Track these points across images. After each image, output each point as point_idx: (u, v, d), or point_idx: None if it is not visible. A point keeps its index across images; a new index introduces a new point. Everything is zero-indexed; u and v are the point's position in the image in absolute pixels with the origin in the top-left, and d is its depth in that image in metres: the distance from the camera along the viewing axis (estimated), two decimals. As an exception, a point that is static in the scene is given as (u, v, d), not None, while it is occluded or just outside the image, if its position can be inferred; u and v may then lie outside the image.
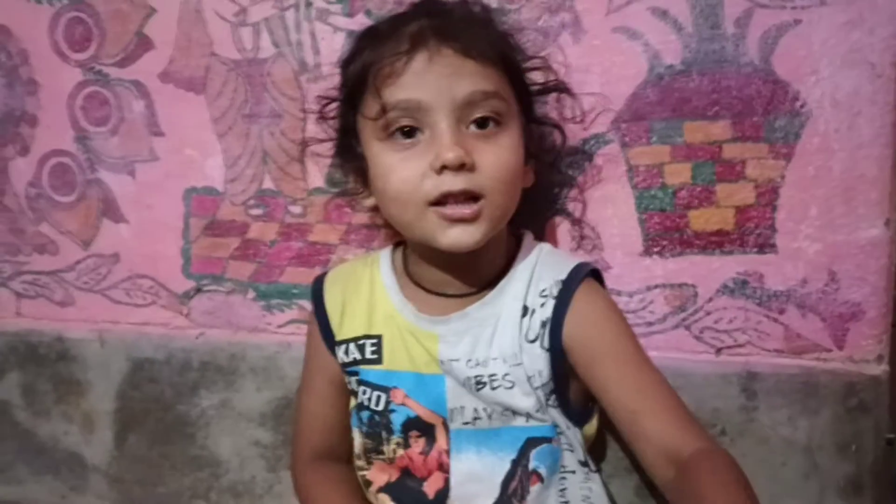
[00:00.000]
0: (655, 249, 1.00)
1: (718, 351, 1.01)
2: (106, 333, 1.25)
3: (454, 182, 0.81)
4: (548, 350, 0.87)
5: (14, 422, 1.33)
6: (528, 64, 0.93)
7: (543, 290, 0.88)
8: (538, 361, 0.87)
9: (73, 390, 1.28)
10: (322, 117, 0.98)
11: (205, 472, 1.24)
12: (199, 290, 1.20)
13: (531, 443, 0.89)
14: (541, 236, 1.03)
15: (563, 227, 1.03)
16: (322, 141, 1.01)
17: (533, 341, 0.87)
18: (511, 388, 0.87)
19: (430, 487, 0.90)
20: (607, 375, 0.85)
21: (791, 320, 0.98)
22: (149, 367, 1.23)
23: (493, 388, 0.87)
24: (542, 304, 0.88)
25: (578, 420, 0.91)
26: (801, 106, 0.94)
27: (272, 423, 1.19)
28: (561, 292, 0.87)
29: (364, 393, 0.93)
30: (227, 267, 1.18)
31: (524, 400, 0.87)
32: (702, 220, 0.98)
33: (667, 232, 1.00)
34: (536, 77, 0.94)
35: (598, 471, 0.92)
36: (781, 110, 0.94)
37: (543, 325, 0.87)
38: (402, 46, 0.81)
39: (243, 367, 1.18)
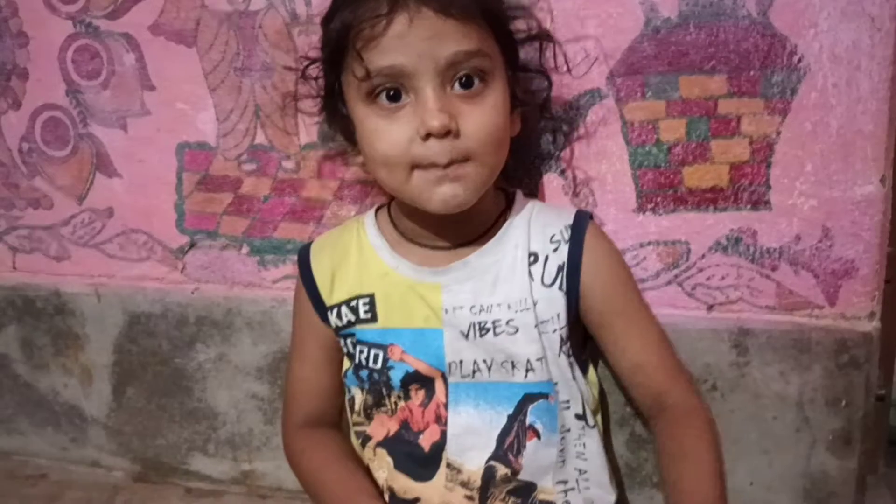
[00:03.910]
0: (649, 206, 1.00)
1: (710, 307, 1.01)
2: (102, 288, 1.26)
3: (441, 154, 0.81)
4: (566, 293, 0.89)
5: (14, 375, 1.35)
6: (511, 13, 0.91)
7: (553, 236, 0.90)
8: (556, 304, 0.89)
9: (71, 344, 1.29)
10: (304, 77, 0.97)
11: (202, 425, 1.26)
12: (193, 245, 1.20)
13: (528, 398, 0.90)
14: (535, 192, 1.03)
15: (556, 184, 1.03)
16: (311, 97, 1.00)
17: (550, 285, 0.89)
18: (514, 333, 0.88)
19: (426, 440, 0.92)
20: (620, 331, 0.92)
21: (784, 277, 0.98)
22: (145, 321, 1.24)
23: (496, 335, 0.89)
24: (556, 250, 0.90)
25: (584, 368, 0.94)
26: (799, 60, 0.92)
27: (269, 377, 1.20)
28: (572, 236, 0.90)
29: (361, 352, 0.93)
30: (220, 222, 1.18)
31: (527, 347, 0.88)
32: (696, 176, 0.98)
33: (661, 188, 0.99)
34: (521, 24, 0.92)
35: (595, 426, 0.93)
36: (779, 65, 0.93)
37: (560, 268, 0.89)
38: (381, 8, 0.79)
39: (239, 321, 1.19)
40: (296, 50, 1.08)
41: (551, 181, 1.03)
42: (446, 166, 0.81)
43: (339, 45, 0.84)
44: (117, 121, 1.19)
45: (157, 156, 1.18)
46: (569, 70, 0.95)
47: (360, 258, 0.95)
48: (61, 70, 1.20)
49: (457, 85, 0.82)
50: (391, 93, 0.82)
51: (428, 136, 0.80)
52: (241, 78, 1.11)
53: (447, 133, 0.80)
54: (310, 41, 1.04)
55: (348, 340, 0.95)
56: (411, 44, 0.79)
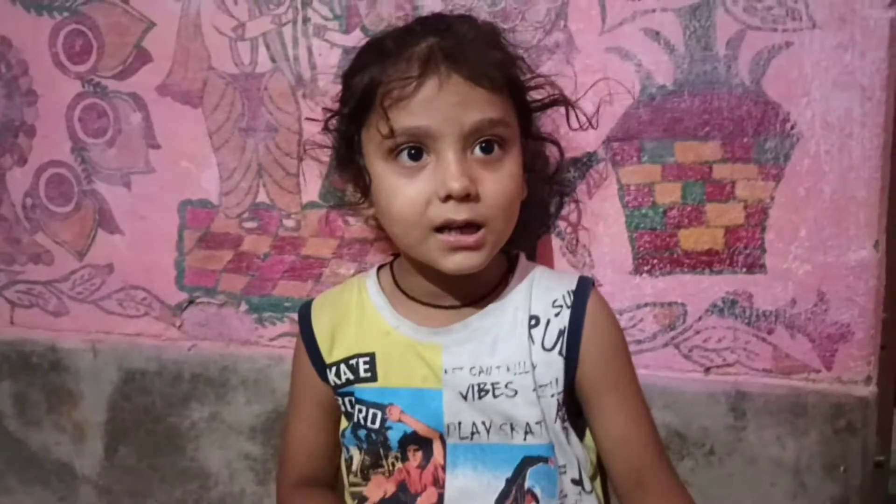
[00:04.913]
0: (645, 268, 1.01)
1: (707, 370, 1.01)
2: (99, 344, 1.26)
3: (458, 212, 0.82)
4: (565, 358, 0.89)
5: (5, 431, 1.33)
6: (533, 83, 0.94)
7: (556, 301, 0.91)
8: (555, 369, 0.89)
9: (64, 400, 1.28)
10: (326, 129, 0.99)
11: (194, 485, 1.24)
12: (191, 302, 1.21)
13: (527, 461, 0.89)
14: (533, 253, 1.04)
15: (554, 245, 1.04)
16: (322, 146, 1.01)
17: (550, 349, 0.89)
18: (513, 396, 0.88)
19: (424, 503, 0.90)
20: (612, 402, 0.90)
21: (780, 340, 0.98)
22: (140, 378, 1.23)
23: (496, 397, 0.88)
24: (557, 314, 0.90)
25: (581, 432, 0.93)
26: (792, 127, 0.94)
27: (262, 437, 1.19)
28: (574, 302, 0.90)
29: (360, 412, 0.93)
30: (220, 279, 1.19)
31: (526, 409, 0.88)
32: (691, 239, 0.99)
33: (657, 251, 1.00)
34: (536, 92, 0.95)
35: (592, 491, 0.92)
36: (772, 132, 0.95)
37: (561, 333, 0.89)
38: (412, 70, 0.82)
39: (234, 379, 1.19)
40: (299, 112, 1.10)
41: (549, 242, 1.04)
42: (463, 227, 0.83)
43: (364, 101, 0.85)
44: (121, 178, 1.21)
45: (159, 213, 1.20)
46: (592, 126, 0.98)
47: (362, 317, 0.95)
48: (68, 128, 1.22)
49: (477, 149, 0.84)
50: (412, 152, 0.84)
51: (447, 198, 0.82)
52: (245, 138, 1.13)
53: (467, 196, 0.82)
54: (314, 103, 1.07)
55: (346, 399, 0.95)
56: (439, 107, 0.82)
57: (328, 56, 1.09)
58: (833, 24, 0.92)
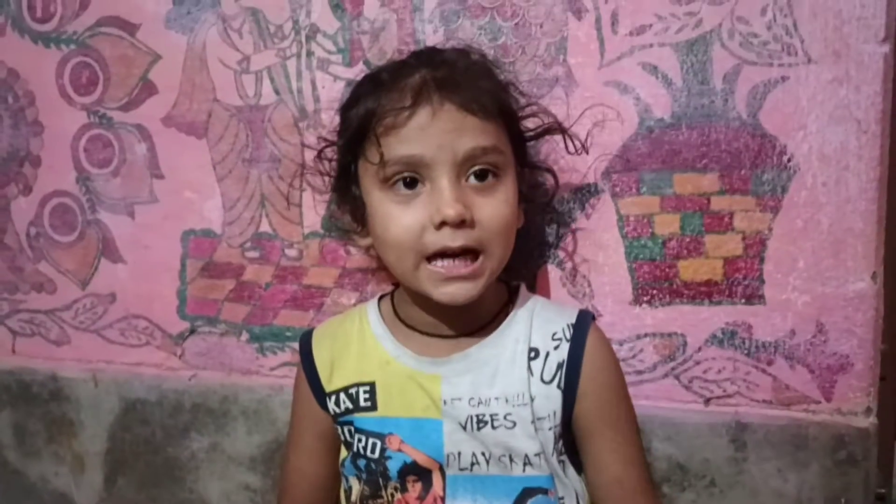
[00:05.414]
0: (645, 298, 1.01)
1: (707, 401, 1.01)
2: (99, 373, 1.26)
3: (453, 239, 0.83)
4: (563, 391, 0.88)
5: (4, 461, 1.33)
6: (526, 112, 0.95)
7: (555, 334, 0.91)
8: (553, 402, 0.89)
9: (64, 430, 1.28)
10: (320, 157, 1.00)
11: (193, 516, 1.24)
12: (193, 332, 1.21)
13: (527, 493, 0.89)
14: (533, 283, 1.04)
15: (554, 275, 1.04)
16: (320, 173, 1.02)
17: (549, 382, 0.89)
18: (512, 428, 0.88)
19: (423, 534, 0.90)
20: (607, 441, 0.90)
21: (779, 371, 0.99)
22: (140, 408, 1.23)
23: (494, 428, 0.88)
24: (556, 347, 0.90)
25: (580, 465, 0.92)
26: (789, 160, 0.95)
27: (262, 467, 1.18)
28: (574, 335, 0.90)
29: (360, 441, 0.93)
30: (221, 309, 1.19)
31: (525, 441, 0.88)
32: (690, 270, 1.00)
33: (656, 281, 1.01)
34: (531, 121, 0.96)
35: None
36: (769, 164, 0.96)
37: (560, 366, 0.89)
38: (405, 100, 0.83)
39: (235, 409, 1.19)
40: (303, 144, 1.11)
41: (549, 272, 1.04)
42: (459, 255, 0.84)
43: (360, 131, 0.87)
44: (125, 208, 1.22)
45: (162, 242, 1.20)
46: (585, 151, 0.99)
47: (362, 347, 0.95)
48: (73, 158, 1.23)
49: (471, 177, 0.85)
50: (407, 180, 0.85)
51: (442, 224, 0.82)
52: (248, 168, 1.15)
53: (462, 223, 0.82)
54: (317, 135, 1.08)
55: (346, 428, 0.95)
56: (432, 135, 0.83)
57: (331, 89, 1.10)
58: (828, 58, 0.93)
